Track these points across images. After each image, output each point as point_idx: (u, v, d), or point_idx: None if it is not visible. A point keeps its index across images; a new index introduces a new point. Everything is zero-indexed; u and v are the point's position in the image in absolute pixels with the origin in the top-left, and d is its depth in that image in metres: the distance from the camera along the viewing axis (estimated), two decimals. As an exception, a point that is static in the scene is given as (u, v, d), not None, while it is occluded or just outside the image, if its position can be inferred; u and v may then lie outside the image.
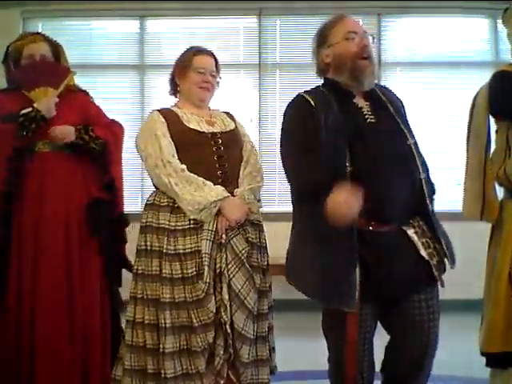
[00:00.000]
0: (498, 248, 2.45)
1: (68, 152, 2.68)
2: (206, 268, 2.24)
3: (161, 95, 5.22)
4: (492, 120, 2.53)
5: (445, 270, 2.12)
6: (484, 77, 2.60)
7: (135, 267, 2.40)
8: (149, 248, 2.36)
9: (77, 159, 2.71)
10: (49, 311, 2.56)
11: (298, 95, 2.18)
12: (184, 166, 2.33)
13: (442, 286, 2.11)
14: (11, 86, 2.76)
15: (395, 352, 2.19)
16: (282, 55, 5.26)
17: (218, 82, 2.57)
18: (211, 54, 2.56)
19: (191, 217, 2.29)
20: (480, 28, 5.20)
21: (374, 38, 2.20)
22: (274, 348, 2.52)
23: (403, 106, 2.28)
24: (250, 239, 2.37)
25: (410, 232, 2.08)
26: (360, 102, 2.15)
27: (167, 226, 2.33)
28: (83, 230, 2.67)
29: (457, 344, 3.44)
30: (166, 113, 2.46)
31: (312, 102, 2.10)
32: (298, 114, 2.13)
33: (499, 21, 4.88)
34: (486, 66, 4.82)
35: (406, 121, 2.20)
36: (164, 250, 2.30)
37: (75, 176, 2.70)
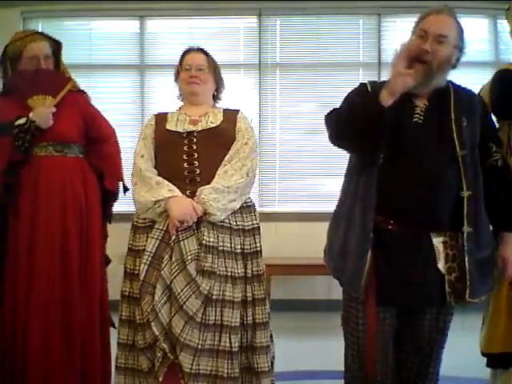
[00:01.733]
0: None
1: (67, 155, 2.64)
2: (142, 266, 2.25)
3: (161, 95, 5.27)
4: (494, 119, 2.52)
5: (464, 289, 1.99)
6: (484, 77, 2.60)
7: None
8: (129, 245, 2.43)
9: (76, 162, 2.68)
10: (43, 310, 2.53)
11: (360, 84, 2.19)
12: (144, 166, 2.37)
13: (451, 304, 2.05)
14: (7, 89, 2.70)
15: (399, 359, 2.16)
16: (282, 55, 5.26)
17: (216, 77, 2.55)
18: (200, 51, 2.56)
19: (141, 216, 2.37)
20: (480, 28, 5.20)
21: (456, 48, 2.10)
22: (267, 372, 2.34)
23: (486, 119, 2.16)
24: (204, 242, 2.25)
25: (436, 240, 2.00)
26: (419, 100, 2.07)
27: (135, 223, 2.41)
28: (82, 228, 2.63)
29: (457, 344, 3.43)
30: (159, 116, 2.51)
31: (369, 88, 2.11)
32: (353, 91, 2.15)
33: (499, 21, 4.90)
34: (486, 66, 4.82)
35: (471, 131, 2.05)
36: (129, 246, 2.40)
37: (73, 177, 2.65)
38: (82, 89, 2.85)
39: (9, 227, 2.57)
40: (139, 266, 2.30)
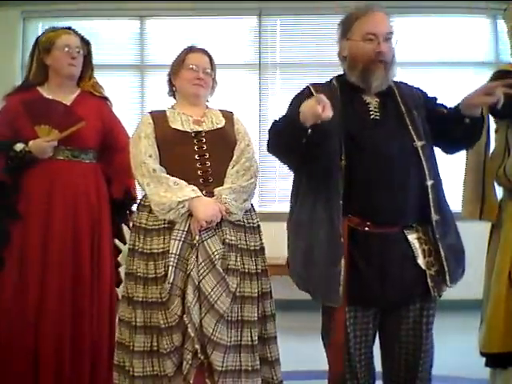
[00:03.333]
0: (497, 248, 2.45)
1: (83, 161, 2.69)
2: (170, 268, 2.21)
3: (161, 95, 5.26)
4: (491, 119, 2.53)
5: (442, 282, 2.04)
6: (484, 77, 2.60)
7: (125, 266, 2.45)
8: (131, 247, 2.39)
9: (91, 167, 2.72)
10: (54, 312, 2.55)
11: (304, 87, 2.18)
12: (157, 167, 2.32)
13: (436, 298, 2.07)
14: (26, 85, 2.73)
15: (386, 360, 2.17)
16: (282, 55, 5.27)
17: (214, 80, 2.55)
18: (205, 52, 2.54)
19: (160, 217, 2.30)
20: (480, 28, 5.20)
21: (397, 40, 2.09)
22: (277, 360, 2.42)
23: (425, 95, 2.20)
24: (227, 241, 2.29)
25: (411, 237, 2.03)
26: (369, 97, 2.11)
27: (144, 226, 2.35)
28: (95, 237, 2.67)
29: (457, 344, 3.44)
30: (156, 115, 2.48)
31: (312, 91, 2.10)
32: (298, 102, 2.08)
33: (499, 21, 4.90)
34: (486, 66, 4.82)
35: (422, 119, 2.10)
36: (140, 250, 2.33)
37: (87, 183, 2.69)
38: (105, 95, 2.87)
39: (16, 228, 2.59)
40: (154, 269, 2.28)
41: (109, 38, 5.27)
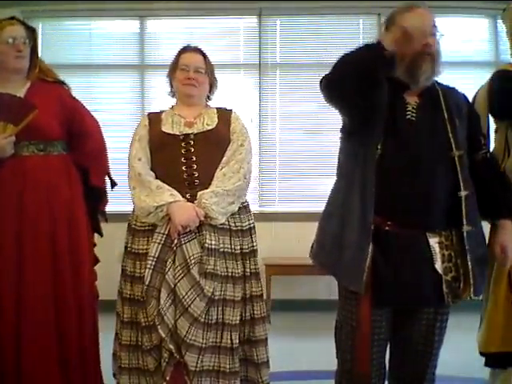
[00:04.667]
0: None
1: (50, 154, 2.54)
2: (147, 270, 2.27)
3: (161, 95, 5.26)
4: (491, 119, 2.53)
5: (459, 288, 2.01)
6: (484, 77, 2.60)
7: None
8: (125, 245, 2.45)
9: (61, 160, 2.58)
10: (34, 309, 2.45)
11: None
12: (143, 171, 2.36)
13: (449, 304, 2.04)
14: None
15: (394, 360, 2.17)
16: (282, 55, 5.26)
17: (211, 78, 2.53)
18: (197, 51, 2.53)
19: (141, 220, 2.36)
20: (480, 28, 5.20)
21: (442, 35, 2.10)
22: (265, 363, 2.43)
23: (472, 114, 2.17)
24: (206, 245, 2.28)
25: (433, 241, 2.00)
26: (410, 97, 2.07)
27: (133, 226, 2.42)
28: (71, 228, 2.55)
29: (457, 344, 3.43)
30: (153, 116, 2.50)
31: None
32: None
33: (499, 21, 4.89)
34: (485, 66, 4.81)
35: (463, 129, 2.06)
36: (128, 249, 2.41)
37: (59, 178, 2.56)
38: (60, 79, 2.69)
39: None
40: (139, 269, 2.34)
41: (109, 37, 5.26)
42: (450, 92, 2.14)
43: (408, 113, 2.05)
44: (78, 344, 2.54)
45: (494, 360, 2.44)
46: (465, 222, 1.99)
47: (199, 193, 2.30)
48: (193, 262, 2.25)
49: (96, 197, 2.71)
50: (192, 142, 2.38)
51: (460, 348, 3.13)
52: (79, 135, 2.64)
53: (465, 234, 2.00)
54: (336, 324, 2.16)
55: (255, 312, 2.40)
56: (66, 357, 2.51)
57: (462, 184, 2.00)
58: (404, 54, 2.00)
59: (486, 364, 2.49)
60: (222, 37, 5.15)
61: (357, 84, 1.94)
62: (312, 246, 2.20)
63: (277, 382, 2.62)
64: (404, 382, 2.16)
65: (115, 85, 5.23)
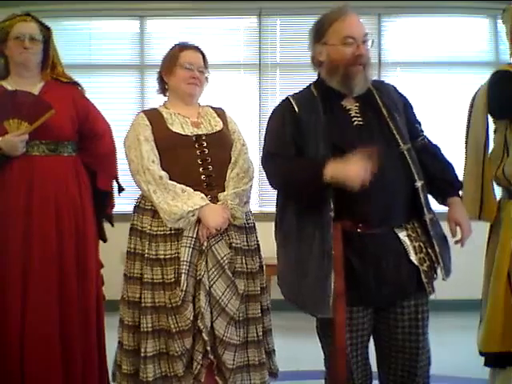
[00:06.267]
0: (496, 248, 2.45)
1: (61, 155, 2.54)
2: (183, 276, 2.23)
3: (160, 95, 5.25)
4: (490, 120, 2.53)
5: (436, 276, 2.08)
6: (484, 77, 2.60)
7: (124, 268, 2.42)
8: (132, 250, 2.38)
9: (70, 161, 2.57)
10: (39, 311, 2.44)
11: (284, 99, 2.16)
12: (163, 174, 2.30)
13: (430, 293, 2.08)
14: None
15: (382, 360, 2.17)
16: (282, 55, 5.26)
17: (206, 78, 2.53)
18: (198, 49, 2.52)
19: (168, 225, 2.27)
20: (480, 28, 5.20)
21: (373, 41, 2.10)
22: (274, 351, 2.50)
23: (406, 104, 2.20)
24: (233, 245, 2.33)
25: (402, 235, 2.04)
26: (349, 103, 2.09)
27: (148, 231, 2.33)
28: (78, 231, 2.55)
29: (457, 344, 3.44)
30: (151, 114, 2.44)
31: (296, 107, 2.08)
32: (281, 118, 2.10)
33: (499, 21, 4.89)
34: (485, 66, 4.81)
35: (403, 122, 2.11)
36: (146, 255, 2.31)
37: (68, 179, 2.55)
38: (75, 80, 2.70)
39: None
40: (166, 275, 2.27)
41: (109, 37, 5.26)
42: (382, 88, 2.18)
43: (354, 118, 2.07)
44: (82, 344, 2.52)
45: (494, 360, 2.44)
46: (426, 211, 2.05)
47: (223, 194, 2.32)
48: (226, 262, 2.28)
49: (102, 200, 2.69)
50: (205, 144, 2.38)
51: (460, 348, 3.13)
52: (90, 137, 2.64)
53: (428, 221, 2.05)
54: (316, 331, 2.20)
55: (263, 304, 2.45)
56: (68, 359, 2.49)
57: (415, 175, 2.05)
58: (337, 66, 2.04)
59: (486, 364, 2.49)
60: (222, 37, 5.14)
61: (300, 197, 2.04)
62: (278, 276, 2.18)
63: (277, 382, 2.62)
64: (395, 381, 2.15)
65: (115, 85, 5.23)
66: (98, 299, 2.62)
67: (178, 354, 2.26)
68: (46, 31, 2.61)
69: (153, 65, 5.14)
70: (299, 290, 2.03)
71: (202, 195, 2.29)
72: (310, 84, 2.19)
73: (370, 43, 2.08)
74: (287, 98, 2.15)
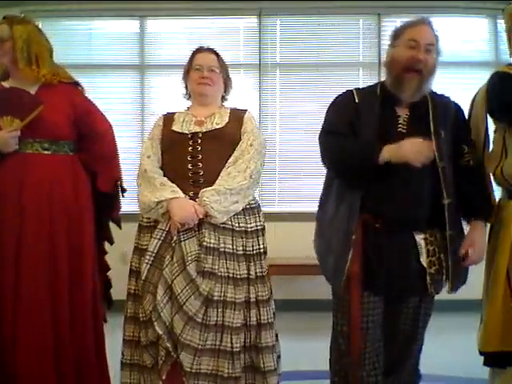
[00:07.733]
0: (496, 248, 2.45)
1: (56, 154, 2.50)
2: (144, 265, 2.29)
3: (161, 95, 5.26)
4: (490, 120, 2.53)
5: (441, 281, 2.21)
6: (484, 77, 2.60)
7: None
8: (135, 245, 2.46)
9: (66, 161, 2.53)
10: (32, 312, 2.40)
11: (346, 90, 2.30)
12: (149, 167, 2.38)
13: (433, 296, 2.23)
14: None
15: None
16: (282, 55, 5.26)
17: (226, 78, 2.56)
18: (211, 51, 2.56)
19: (144, 215, 2.40)
20: (480, 28, 5.20)
21: (438, 53, 2.24)
22: (274, 370, 2.37)
23: (460, 125, 2.29)
24: (205, 244, 2.26)
25: (418, 237, 2.16)
26: (401, 109, 2.20)
27: (140, 222, 2.45)
28: (73, 233, 2.50)
29: (457, 344, 3.43)
30: (167, 116, 2.53)
31: (356, 98, 2.22)
32: (341, 102, 2.28)
33: (499, 21, 4.90)
34: (486, 66, 4.82)
35: (448, 140, 2.20)
36: (135, 245, 2.44)
37: (63, 179, 2.50)
38: (75, 80, 2.67)
39: None
40: (140, 264, 2.36)
41: (109, 38, 5.26)
42: (440, 101, 2.27)
43: (399, 125, 2.18)
44: (76, 344, 2.48)
45: (493, 359, 2.43)
46: (448, 228, 2.17)
47: (201, 191, 2.29)
48: (189, 259, 2.23)
49: (105, 203, 2.63)
50: (199, 141, 2.39)
51: (460, 348, 3.12)
52: (90, 137, 2.60)
53: (448, 238, 2.17)
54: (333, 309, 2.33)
55: (261, 317, 2.35)
56: (61, 357, 2.45)
57: (445, 193, 2.15)
58: (393, 66, 2.17)
59: (485, 363, 2.48)
60: (222, 37, 5.14)
61: (348, 174, 2.22)
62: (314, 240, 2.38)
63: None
64: (388, 361, 2.29)
65: (115, 85, 5.23)
66: (95, 299, 2.58)
67: (144, 344, 2.30)
68: (14, 32, 2.54)
69: (153, 65, 5.16)
70: (325, 264, 2.26)
71: (175, 189, 2.30)
72: (379, 82, 2.33)
73: (436, 55, 2.21)
74: (350, 90, 2.29)
